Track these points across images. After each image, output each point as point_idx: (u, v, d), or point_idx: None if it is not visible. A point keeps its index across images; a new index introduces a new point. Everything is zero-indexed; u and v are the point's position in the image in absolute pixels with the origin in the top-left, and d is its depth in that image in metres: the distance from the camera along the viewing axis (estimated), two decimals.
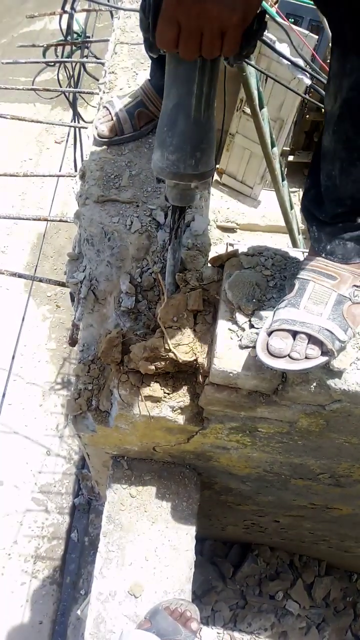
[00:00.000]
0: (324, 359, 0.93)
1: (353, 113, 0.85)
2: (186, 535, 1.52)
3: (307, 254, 1.08)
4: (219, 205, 4.66)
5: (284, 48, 2.02)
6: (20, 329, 2.20)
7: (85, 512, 3.42)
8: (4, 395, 2.13)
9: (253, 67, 2.39)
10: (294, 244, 2.97)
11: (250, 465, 1.54)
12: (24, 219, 1.51)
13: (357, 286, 0.97)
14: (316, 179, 1.00)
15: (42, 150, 5.22)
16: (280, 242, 3.99)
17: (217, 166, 4.69)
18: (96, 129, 1.43)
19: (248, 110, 2.72)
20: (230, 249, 1.33)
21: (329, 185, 0.96)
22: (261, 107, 2.61)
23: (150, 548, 1.49)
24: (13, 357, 2.13)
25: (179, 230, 1.07)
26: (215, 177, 4.80)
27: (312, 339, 0.93)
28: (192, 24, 0.67)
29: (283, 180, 2.93)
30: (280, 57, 2.00)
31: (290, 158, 4.43)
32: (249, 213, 4.62)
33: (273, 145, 2.80)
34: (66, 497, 3.46)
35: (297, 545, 2.74)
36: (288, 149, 4.37)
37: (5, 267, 1.67)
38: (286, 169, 3.65)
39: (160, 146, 0.88)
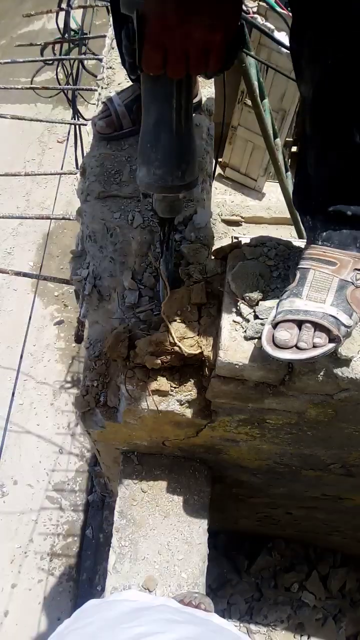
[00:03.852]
0: (331, 345, 0.92)
1: (324, 97, 0.86)
2: (198, 528, 1.53)
3: (305, 244, 1.07)
4: (224, 199, 4.64)
5: (282, 37, 2.01)
6: (27, 328, 2.21)
7: (99, 509, 3.44)
8: (13, 394, 2.15)
9: (253, 57, 2.37)
10: (300, 235, 2.95)
11: (260, 458, 1.54)
12: (26, 217, 1.51)
13: (359, 270, 0.96)
14: (302, 173, 1.00)
15: (44, 150, 5.23)
16: (286, 234, 3.96)
17: (220, 159, 4.67)
18: (95, 125, 1.42)
19: (249, 102, 2.70)
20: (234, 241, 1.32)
21: (310, 174, 0.97)
22: (262, 98, 2.59)
23: (163, 542, 1.50)
24: (21, 357, 2.14)
25: (169, 241, 1.09)
26: (219, 170, 4.78)
27: (318, 327, 0.92)
28: (178, 46, 0.70)
29: (287, 171, 2.91)
30: (279, 46, 1.99)
31: (294, 149, 4.39)
32: (253, 206, 4.60)
33: (275, 137, 2.77)
34: (80, 494, 3.48)
35: (311, 537, 2.73)
36: (291, 139, 4.32)
37: (11, 268, 1.68)
38: (290, 160, 3.62)
39: (145, 163, 0.90)
